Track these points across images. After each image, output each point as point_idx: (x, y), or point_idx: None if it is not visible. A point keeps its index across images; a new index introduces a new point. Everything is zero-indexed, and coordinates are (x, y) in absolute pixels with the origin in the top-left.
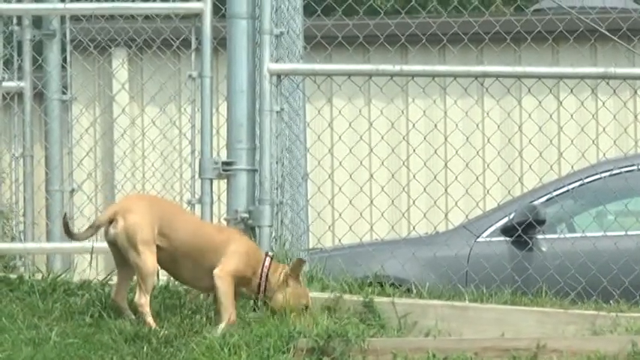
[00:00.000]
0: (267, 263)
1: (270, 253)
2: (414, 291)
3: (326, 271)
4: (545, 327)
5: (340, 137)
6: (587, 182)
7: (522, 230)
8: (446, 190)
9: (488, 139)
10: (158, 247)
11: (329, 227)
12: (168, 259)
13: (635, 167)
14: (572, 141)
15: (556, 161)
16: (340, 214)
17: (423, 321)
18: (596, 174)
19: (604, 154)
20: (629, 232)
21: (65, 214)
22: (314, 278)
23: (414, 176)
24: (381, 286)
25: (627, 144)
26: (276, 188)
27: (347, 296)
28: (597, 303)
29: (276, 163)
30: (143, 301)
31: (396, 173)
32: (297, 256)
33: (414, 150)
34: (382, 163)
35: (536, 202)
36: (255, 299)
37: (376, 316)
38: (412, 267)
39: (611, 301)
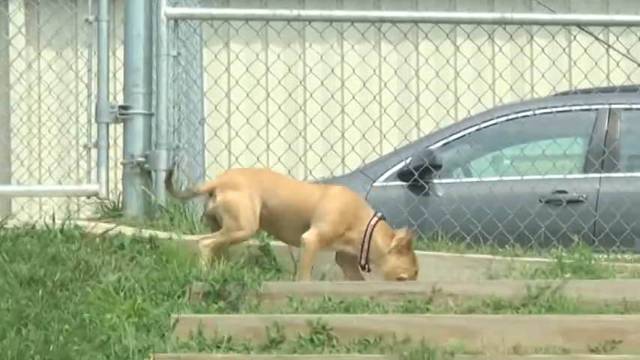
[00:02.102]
0: (372, 222)
1: (379, 214)
2: None
3: None
4: (440, 271)
5: (237, 82)
6: (484, 127)
7: (419, 175)
8: (343, 134)
9: (385, 84)
10: (261, 214)
11: (225, 172)
12: (269, 223)
13: (531, 112)
14: (468, 86)
15: (453, 106)
16: (237, 159)
17: (319, 265)
18: (493, 119)
19: (500, 99)
20: (524, 177)
21: (172, 169)
22: None
23: (310, 121)
24: None
25: (523, 89)
26: (173, 132)
27: None
28: (493, 247)
29: (173, 107)
30: (208, 242)
31: (293, 118)
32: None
33: (311, 95)
34: (279, 107)
35: (432, 147)
36: (359, 258)
37: (272, 260)
38: None
39: (506, 246)
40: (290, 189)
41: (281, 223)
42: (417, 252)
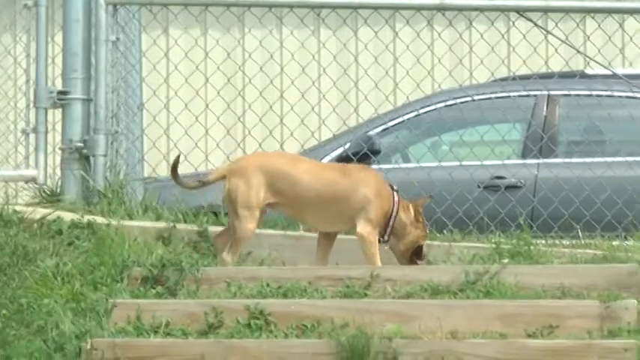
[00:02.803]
0: (396, 199)
1: (395, 187)
2: None
3: (160, 200)
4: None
5: (176, 67)
6: (423, 113)
7: (357, 160)
8: (281, 120)
9: (324, 70)
10: (275, 204)
11: (164, 157)
12: (292, 210)
13: (470, 98)
14: (407, 72)
15: (391, 92)
16: (175, 144)
17: (257, 250)
18: (432, 105)
19: (439, 85)
20: (463, 163)
21: (179, 155)
22: (148, 208)
23: (249, 106)
24: (216, 215)
25: (462, 75)
26: (112, 117)
27: (181, 226)
28: (431, 232)
29: (112, 92)
30: (229, 260)
31: (232, 103)
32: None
33: (250, 80)
34: (218, 93)
35: (371, 133)
36: (381, 237)
37: (210, 246)
38: None
39: (444, 231)
40: (311, 173)
41: (306, 208)
42: (349, 237)
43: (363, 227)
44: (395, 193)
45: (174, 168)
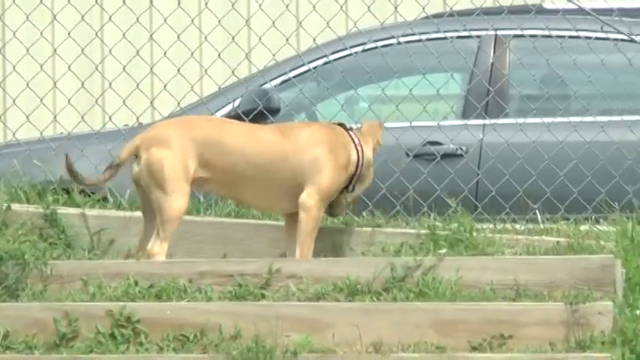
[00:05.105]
0: (357, 140)
1: (348, 125)
2: (112, 200)
3: None
4: (279, 245)
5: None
6: (334, 60)
7: (250, 121)
8: (151, 69)
9: (207, 4)
10: (204, 179)
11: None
12: (224, 187)
13: (394, 40)
14: (314, 7)
15: (294, 32)
16: (14, 100)
17: (122, 239)
18: (345, 49)
19: (355, 24)
20: (387, 125)
21: (67, 155)
22: None
23: (110, 51)
24: (68, 193)
25: (384, 10)
26: None
27: (23, 207)
28: (347, 215)
29: None
30: (157, 249)
31: (88, 46)
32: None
33: (110, 17)
34: (69, 34)
35: (267, 86)
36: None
37: (61, 232)
38: None
39: (363, 213)
40: (244, 137)
41: (242, 183)
42: (250, 221)
43: (309, 196)
44: (350, 133)
45: (69, 168)
